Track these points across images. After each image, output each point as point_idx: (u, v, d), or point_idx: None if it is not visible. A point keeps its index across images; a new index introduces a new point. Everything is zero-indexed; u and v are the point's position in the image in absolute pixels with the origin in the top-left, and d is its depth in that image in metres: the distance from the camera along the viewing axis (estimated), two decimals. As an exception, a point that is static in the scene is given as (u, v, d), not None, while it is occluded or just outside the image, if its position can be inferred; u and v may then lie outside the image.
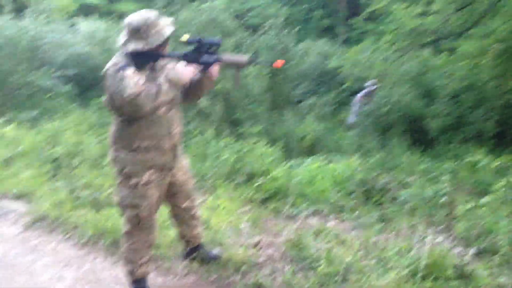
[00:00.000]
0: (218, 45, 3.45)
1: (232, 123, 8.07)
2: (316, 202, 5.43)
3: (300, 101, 9.47)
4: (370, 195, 5.50)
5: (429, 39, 10.09)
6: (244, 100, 8.09)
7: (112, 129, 3.42)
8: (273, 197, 5.55)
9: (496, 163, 5.52)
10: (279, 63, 3.59)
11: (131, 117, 3.23)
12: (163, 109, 3.31)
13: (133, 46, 3.19)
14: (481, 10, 9.92)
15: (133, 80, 3.05)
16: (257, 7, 29.65)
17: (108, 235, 4.65)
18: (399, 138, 8.65)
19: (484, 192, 5.36)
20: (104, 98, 3.36)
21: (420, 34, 9.83)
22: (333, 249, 4.12)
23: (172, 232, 4.52)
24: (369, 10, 11.35)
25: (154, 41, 3.20)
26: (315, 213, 5.26)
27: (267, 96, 8.32)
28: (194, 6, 9.92)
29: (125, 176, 3.34)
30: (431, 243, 4.15)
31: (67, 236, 4.92)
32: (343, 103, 11.40)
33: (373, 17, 11.99)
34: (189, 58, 3.36)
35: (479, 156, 5.66)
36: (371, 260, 3.97)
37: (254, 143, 6.30)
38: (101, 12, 28.33)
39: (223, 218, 4.90)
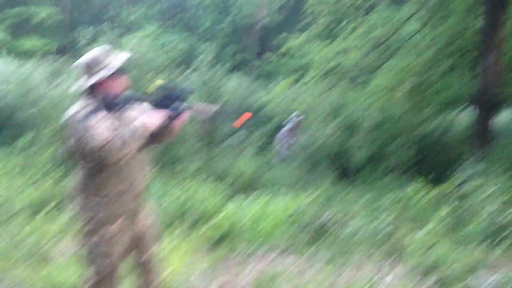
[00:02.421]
0: (190, 93, 3.48)
1: (170, 160, 8.03)
2: (270, 239, 5.53)
3: (231, 135, 9.59)
4: (323, 229, 5.68)
5: (350, 75, 10.61)
6: (180, 137, 8.08)
7: (79, 176, 3.29)
8: (226, 236, 5.58)
9: (432, 194, 5.89)
10: (246, 115, 3.70)
11: (100, 164, 3.12)
12: (133, 151, 3.22)
13: (96, 78, 3.13)
14: (395, 46, 10.61)
15: (103, 127, 2.99)
16: (169, 43, 29.83)
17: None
18: (328, 171, 8.98)
19: (424, 222, 5.68)
20: (65, 146, 3.28)
21: (342, 69, 10.33)
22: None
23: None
24: (286, 46, 11.75)
25: (115, 65, 3.16)
26: (270, 249, 5.35)
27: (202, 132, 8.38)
28: (122, 44, 9.86)
29: (96, 224, 3.22)
30: (393, 275, 4.40)
31: (13, 291, 4.65)
32: (273, 138, 11.66)
33: (285, 53, 12.38)
34: (160, 104, 3.35)
35: (417, 187, 6.01)
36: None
37: (201, 181, 6.31)
38: (5, 48, 27.21)
39: (181, 261, 4.86)
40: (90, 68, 3.15)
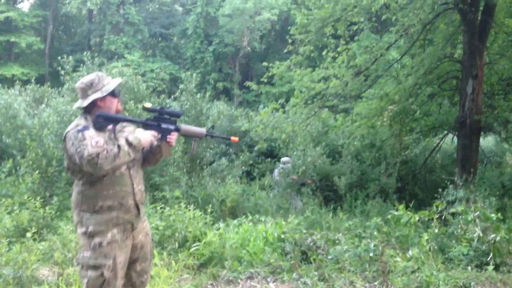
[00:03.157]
0: (178, 115, 3.67)
1: (151, 188, 7.96)
2: (253, 264, 5.45)
3: (212, 163, 9.55)
4: (306, 254, 5.62)
5: (331, 102, 10.65)
6: (161, 164, 8.03)
7: (74, 192, 3.45)
8: (209, 262, 5.50)
9: (415, 219, 5.87)
10: (235, 139, 3.88)
11: (92, 178, 3.31)
12: (124, 168, 3.41)
13: (91, 99, 3.41)
14: (375, 75, 10.73)
15: (94, 140, 3.20)
16: (151, 71, 29.97)
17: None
18: (313, 196, 8.95)
19: (408, 247, 5.65)
20: (65, 163, 3.43)
21: (323, 97, 10.38)
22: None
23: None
24: (268, 74, 11.79)
25: (108, 88, 3.44)
26: (253, 275, 5.27)
27: (184, 159, 8.34)
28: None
29: (89, 236, 3.33)
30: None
31: (-10, 318, 4.53)
32: (256, 164, 11.63)
33: (266, 81, 12.42)
34: (149, 125, 3.54)
35: (400, 213, 5.99)
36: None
37: (184, 208, 6.22)
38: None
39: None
40: (85, 91, 3.44)
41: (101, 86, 3.44)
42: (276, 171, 10.29)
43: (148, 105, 3.53)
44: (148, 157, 3.68)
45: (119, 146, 3.24)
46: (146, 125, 3.53)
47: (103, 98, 3.44)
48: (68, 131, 3.32)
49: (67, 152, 3.35)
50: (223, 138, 3.99)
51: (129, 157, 3.30)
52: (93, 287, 3.32)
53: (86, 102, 3.41)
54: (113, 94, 3.47)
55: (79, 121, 3.37)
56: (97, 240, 3.31)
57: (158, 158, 3.72)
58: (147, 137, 3.43)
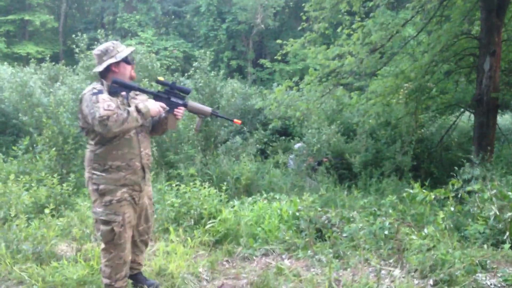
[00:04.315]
0: (187, 92, 3.96)
1: (166, 165, 8.01)
2: (268, 242, 5.49)
3: (226, 141, 9.57)
4: (320, 232, 5.63)
5: (346, 80, 10.57)
6: (176, 142, 8.07)
7: (87, 151, 3.71)
8: (224, 238, 5.55)
9: (431, 197, 5.83)
10: (238, 121, 4.22)
11: (103, 139, 3.56)
12: (133, 132, 3.67)
13: (105, 64, 3.68)
14: (391, 52, 10.61)
15: (106, 104, 3.42)
16: (164, 49, 29.89)
17: (58, 290, 4.41)
18: (327, 175, 8.94)
19: (423, 225, 5.63)
20: (80, 122, 3.70)
21: (338, 75, 10.30)
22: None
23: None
24: (282, 52, 11.70)
25: (122, 55, 3.72)
26: (268, 252, 5.30)
27: (198, 137, 8.37)
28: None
29: (100, 194, 3.61)
30: (392, 277, 4.34)
31: (11, 292, 4.60)
32: (270, 142, 11.62)
33: (280, 58, 12.34)
34: (160, 96, 3.80)
35: (415, 191, 5.96)
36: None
37: (199, 185, 6.25)
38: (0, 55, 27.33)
39: (179, 264, 4.81)
40: (101, 57, 3.72)
41: (115, 52, 3.70)
42: (290, 160, 10.28)
43: (161, 78, 3.80)
44: (156, 127, 3.99)
45: (128, 112, 3.47)
46: (156, 97, 3.79)
47: (117, 64, 3.70)
48: (85, 93, 3.57)
49: (82, 113, 3.58)
50: (226, 119, 4.30)
51: (137, 122, 3.54)
52: (105, 239, 3.68)
53: (101, 67, 3.68)
54: (126, 60, 3.74)
55: (95, 85, 3.62)
56: (107, 198, 3.61)
57: (164, 129, 4.00)
58: (155, 107, 3.67)
